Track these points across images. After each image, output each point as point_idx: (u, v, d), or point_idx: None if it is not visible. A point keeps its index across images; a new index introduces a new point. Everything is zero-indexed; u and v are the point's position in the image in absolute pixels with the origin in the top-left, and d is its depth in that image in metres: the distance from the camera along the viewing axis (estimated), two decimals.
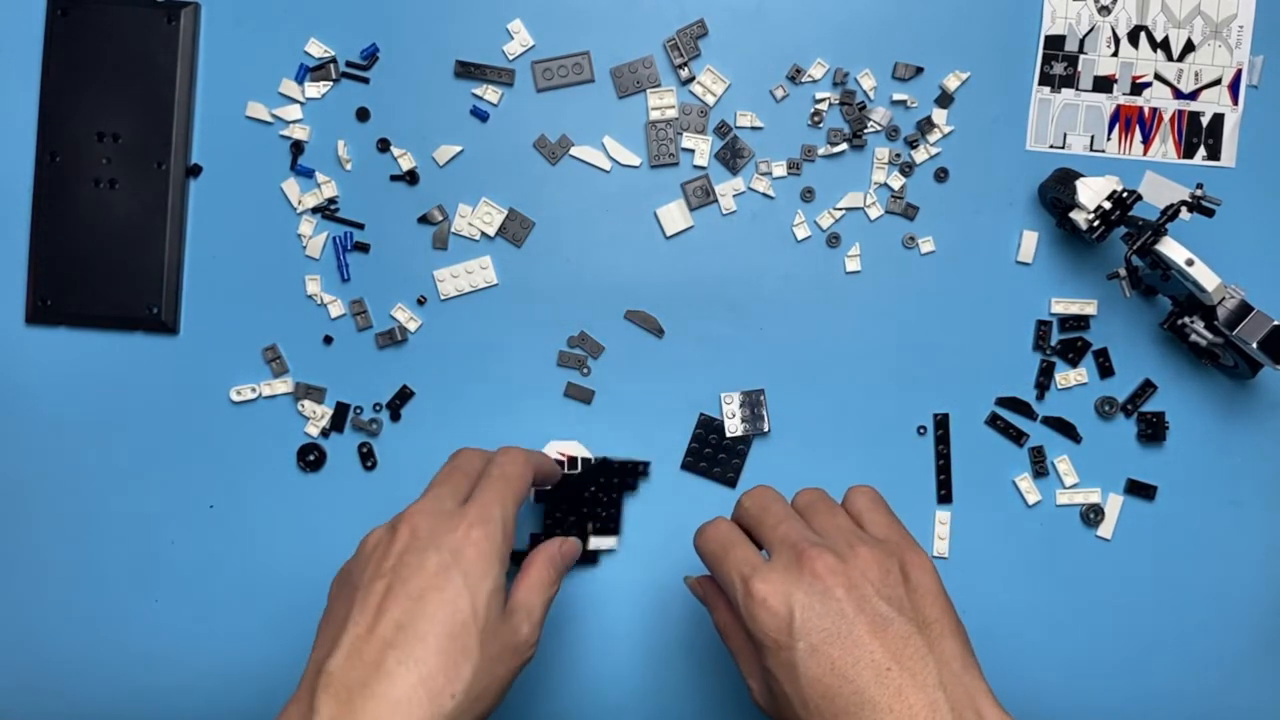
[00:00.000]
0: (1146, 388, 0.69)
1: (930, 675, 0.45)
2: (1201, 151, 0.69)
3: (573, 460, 0.66)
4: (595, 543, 0.67)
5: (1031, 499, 0.68)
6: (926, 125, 0.68)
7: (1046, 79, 0.69)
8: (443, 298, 0.68)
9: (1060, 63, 0.69)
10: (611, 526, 0.67)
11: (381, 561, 0.49)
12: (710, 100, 0.68)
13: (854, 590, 0.47)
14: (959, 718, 0.44)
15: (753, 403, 0.68)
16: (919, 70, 0.68)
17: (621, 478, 0.67)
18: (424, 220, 0.68)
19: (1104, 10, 0.68)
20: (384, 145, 0.68)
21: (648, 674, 0.68)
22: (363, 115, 0.68)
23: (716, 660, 0.68)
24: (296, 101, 0.68)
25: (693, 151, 0.68)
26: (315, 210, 0.68)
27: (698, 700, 0.68)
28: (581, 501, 0.67)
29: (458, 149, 0.68)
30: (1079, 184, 0.62)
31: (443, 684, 0.45)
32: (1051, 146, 0.69)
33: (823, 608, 0.46)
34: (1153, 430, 0.68)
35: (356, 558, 0.51)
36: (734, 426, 0.68)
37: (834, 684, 0.45)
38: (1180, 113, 0.69)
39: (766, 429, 0.68)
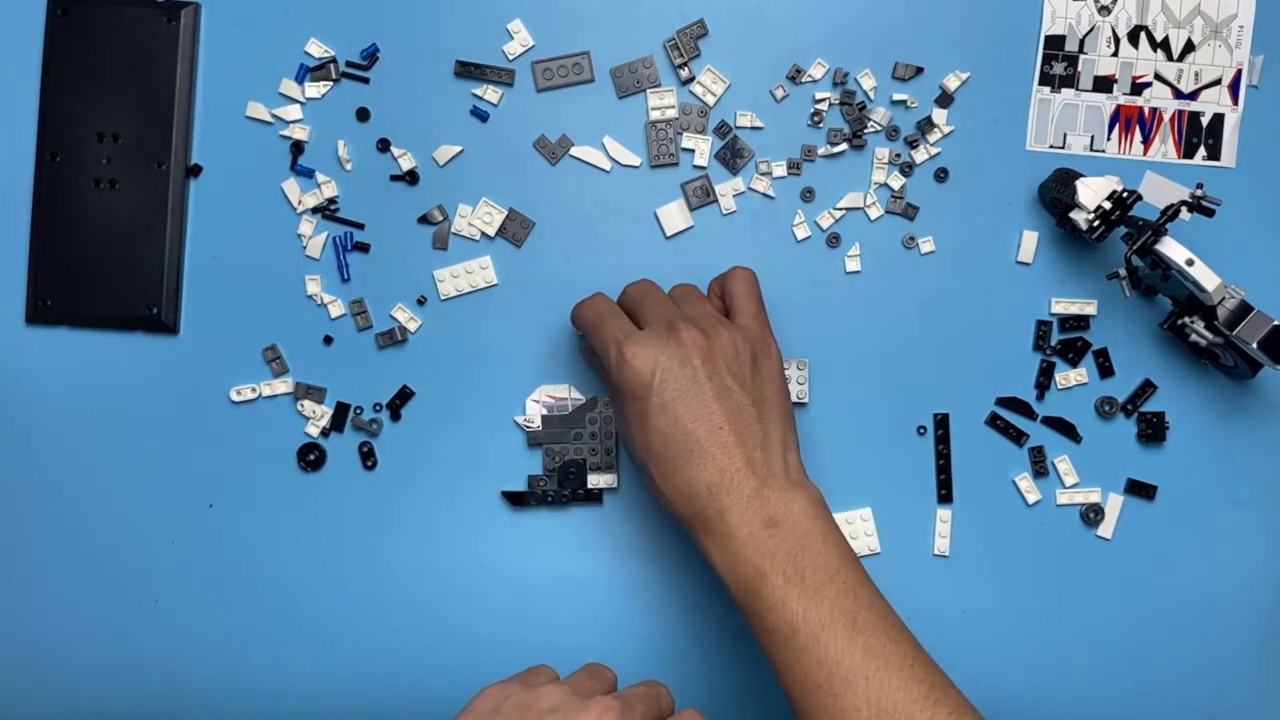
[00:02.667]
0: (1146, 388, 0.69)
1: (754, 438, 0.56)
2: (1201, 151, 0.69)
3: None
4: (595, 480, 0.67)
5: (1031, 499, 0.68)
6: (926, 125, 0.68)
7: (1046, 79, 0.69)
8: (443, 298, 0.68)
9: (1060, 63, 0.69)
10: (610, 463, 0.67)
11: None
12: (710, 100, 0.68)
13: (709, 362, 0.56)
14: (768, 471, 0.55)
15: None
16: (919, 70, 0.68)
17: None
18: (424, 220, 0.68)
19: (1104, 10, 0.68)
20: (384, 145, 0.68)
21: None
22: (363, 115, 0.68)
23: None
24: (296, 101, 0.68)
25: (693, 151, 0.68)
26: (315, 210, 0.68)
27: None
28: (580, 441, 0.67)
29: (458, 149, 0.68)
30: (1079, 184, 0.62)
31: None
32: (1051, 146, 0.69)
33: (680, 371, 0.56)
34: (1153, 430, 0.68)
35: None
36: None
37: (675, 434, 0.55)
38: (1180, 113, 0.69)
39: None
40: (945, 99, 0.68)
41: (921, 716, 0.50)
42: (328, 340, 0.68)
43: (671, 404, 0.56)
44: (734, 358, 0.57)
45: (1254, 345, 0.61)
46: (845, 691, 0.50)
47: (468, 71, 0.68)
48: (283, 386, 0.68)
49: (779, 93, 0.68)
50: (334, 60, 0.68)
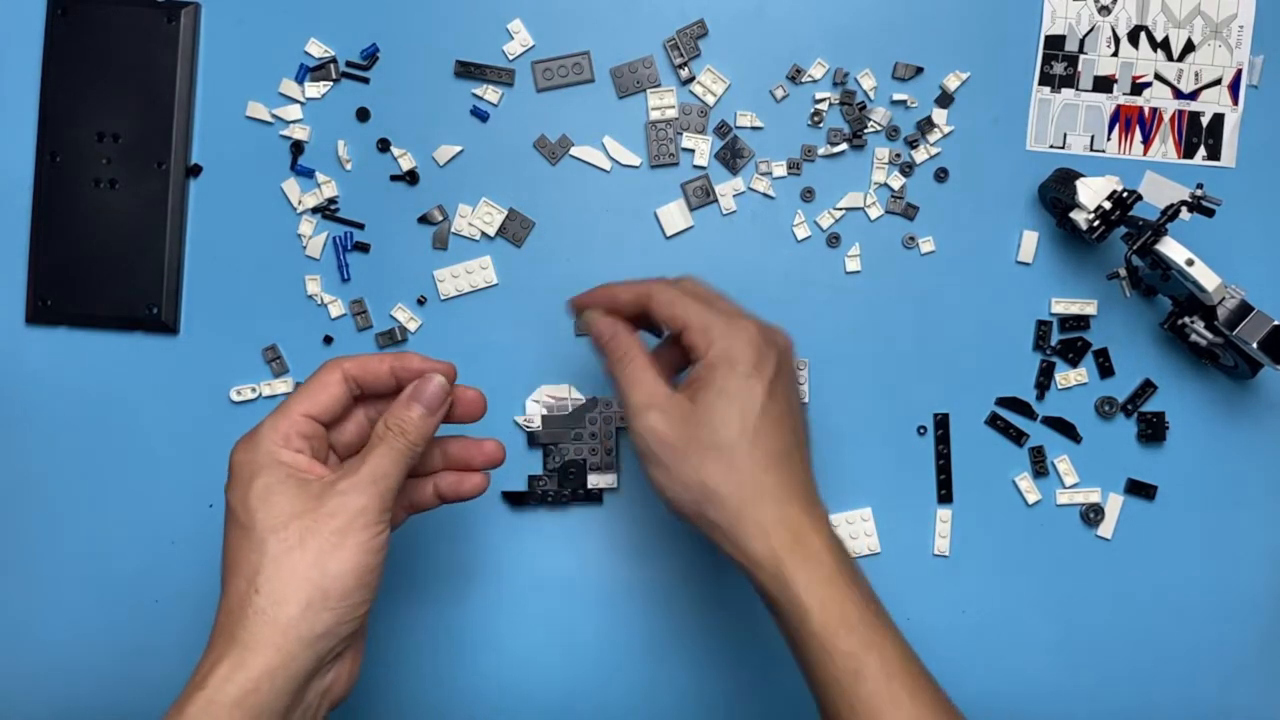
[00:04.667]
0: (1146, 388, 0.69)
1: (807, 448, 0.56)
2: (1201, 151, 0.69)
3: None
4: (595, 480, 0.67)
5: (1031, 499, 0.68)
6: (926, 125, 0.68)
7: (1046, 79, 0.69)
8: (443, 298, 0.68)
9: (1060, 63, 0.69)
10: (610, 463, 0.67)
11: None
12: (710, 100, 0.68)
13: (788, 360, 0.57)
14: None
15: None
16: (919, 70, 0.68)
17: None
18: (424, 220, 0.68)
19: (1104, 10, 0.68)
20: (384, 145, 0.68)
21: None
22: (363, 115, 0.68)
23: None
24: (296, 101, 0.68)
25: (693, 151, 0.68)
26: (315, 210, 0.68)
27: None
28: (580, 441, 0.67)
29: (458, 149, 0.68)
30: (1079, 184, 0.62)
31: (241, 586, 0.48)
32: (1051, 146, 0.69)
33: (779, 372, 0.55)
34: (1153, 430, 0.68)
35: None
36: None
37: (776, 446, 0.53)
38: (1180, 113, 0.69)
39: None
40: (945, 99, 0.68)
41: None
42: (328, 340, 0.68)
43: (775, 412, 0.53)
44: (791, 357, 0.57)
45: (1254, 345, 0.61)
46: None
47: (468, 71, 0.68)
48: (283, 386, 0.68)
49: (779, 93, 0.68)
50: (334, 60, 0.68)
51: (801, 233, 0.68)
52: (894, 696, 0.49)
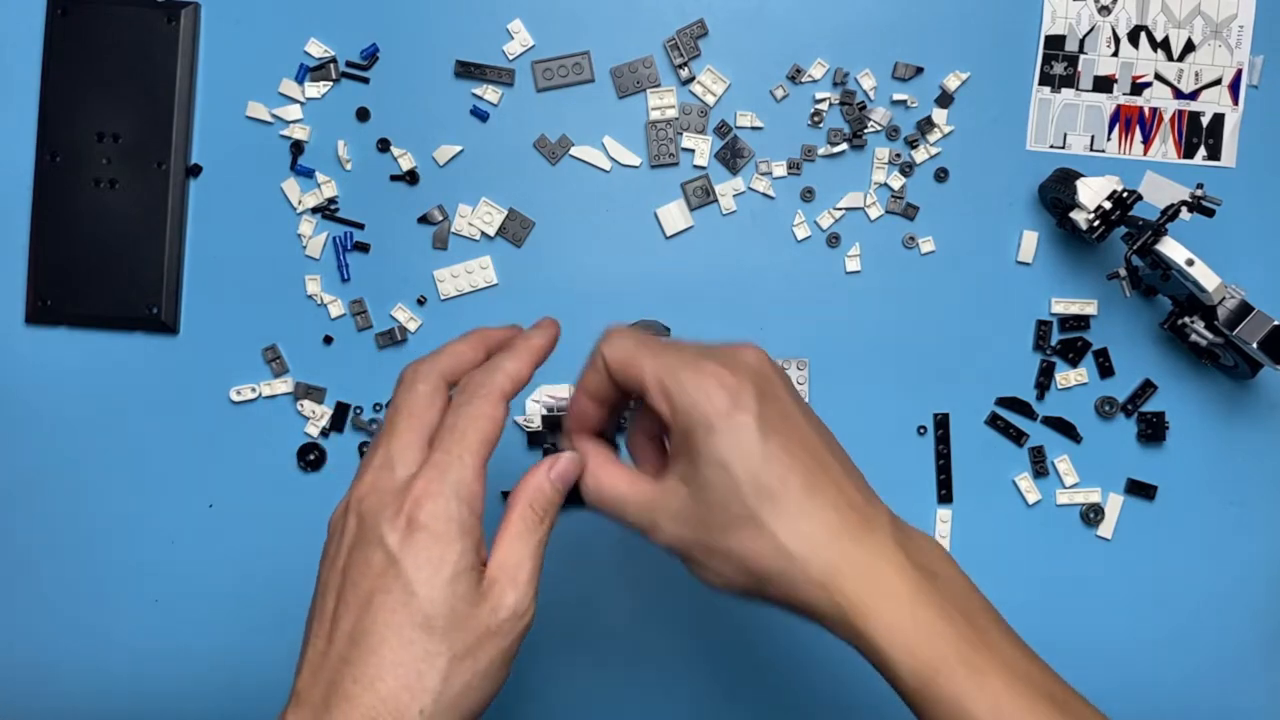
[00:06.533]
0: (1147, 388, 0.69)
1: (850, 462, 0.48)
2: (1202, 151, 0.69)
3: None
4: None
5: (1032, 499, 0.68)
6: (926, 125, 0.68)
7: (1046, 79, 0.69)
8: (443, 298, 0.68)
9: (1060, 63, 0.69)
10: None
11: (335, 560, 0.43)
12: (710, 100, 0.68)
13: (782, 378, 0.47)
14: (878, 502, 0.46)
15: None
16: (919, 70, 0.68)
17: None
18: (424, 220, 0.68)
19: (1104, 10, 0.68)
20: (384, 145, 0.68)
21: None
22: (363, 115, 0.68)
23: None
24: (296, 101, 0.68)
25: (693, 151, 0.68)
26: (315, 210, 0.68)
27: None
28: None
29: (458, 149, 0.68)
30: (1079, 184, 0.62)
31: (407, 701, 0.40)
32: (1052, 146, 0.69)
33: (772, 395, 0.45)
34: (1153, 430, 0.68)
35: (327, 542, 0.45)
36: None
37: (792, 463, 0.44)
38: (1180, 113, 0.69)
39: None
40: (945, 99, 0.68)
41: None
42: (328, 340, 0.68)
43: (774, 430, 0.43)
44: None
45: (1254, 345, 0.61)
46: None
47: (468, 71, 0.68)
48: (283, 386, 0.68)
49: (779, 93, 0.68)
50: (334, 60, 0.68)
51: (801, 233, 0.68)
52: None
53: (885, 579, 0.42)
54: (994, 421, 0.69)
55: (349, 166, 0.68)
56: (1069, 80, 0.69)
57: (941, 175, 0.68)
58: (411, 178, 0.68)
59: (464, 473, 0.42)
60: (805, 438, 0.45)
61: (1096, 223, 0.62)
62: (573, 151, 0.68)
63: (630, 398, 0.47)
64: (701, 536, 0.44)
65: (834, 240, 0.69)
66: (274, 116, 0.68)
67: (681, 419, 0.43)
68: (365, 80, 0.68)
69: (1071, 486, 0.68)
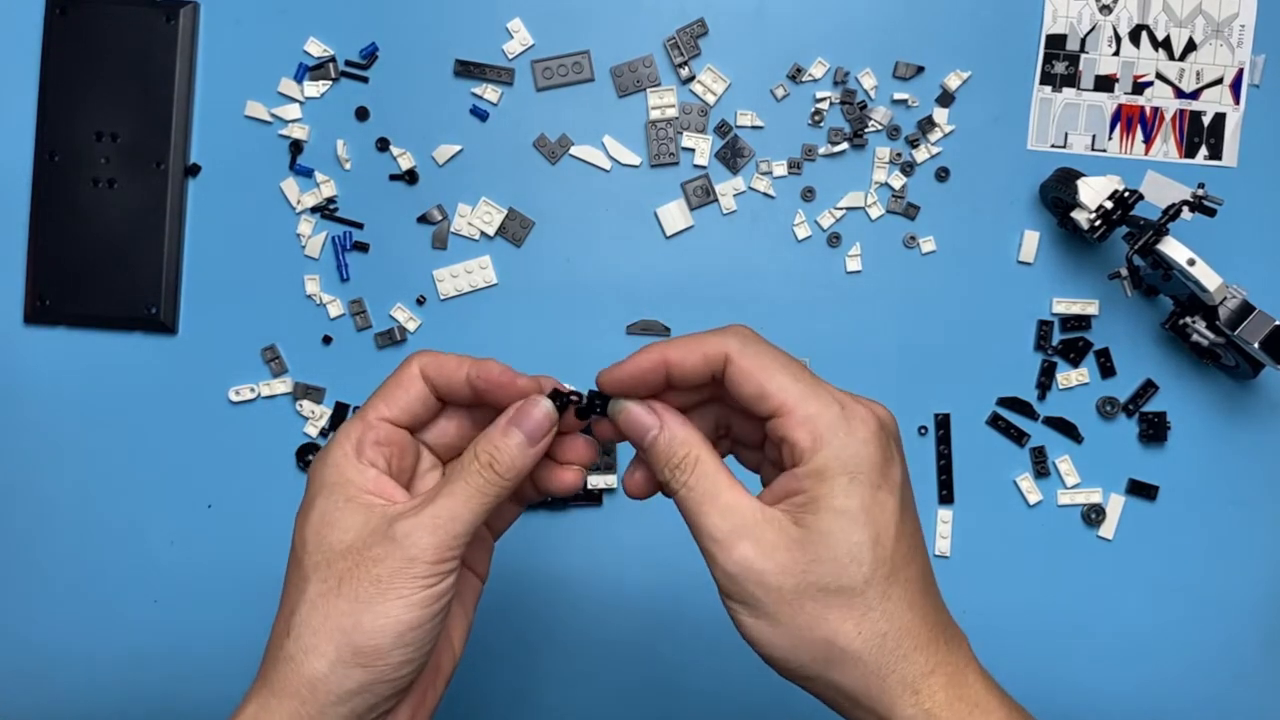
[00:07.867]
0: (1148, 388, 0.69)
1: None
2: (1203, 151, 0.69)
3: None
4: (594, 481, 0.67)
5: (1033, 499, 0.68)
6: (927, 125, 0.68)
7: (1048, 78, 0.68)
8: (442, 298, 0.68)
9: (1061, 62, 0.68)
10: (610, 464, 0.67)
11: None
12: (710, 100, 0.68)
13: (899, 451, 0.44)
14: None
15: None
16: (920, 69, 0.68)
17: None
18: (423, 220, 0.68)
19: (1105, 9, 0.68)
20: (383, 145, 0.68)
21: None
22: (362, 115, 0.68)
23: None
24: (296, 101, 0.68)
25: (693, 151, 0.68)
26: (314, 210, 0.68)
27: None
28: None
29: (457, 148, 0.68)
30: (1080, 183, 0.62)
31: (282, 631, 0.41)
32: (1053, 146, 0.68)
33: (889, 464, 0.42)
34: (1154, 430, 0.68)
35: None
36: None
37: (914, 555, 0.40)
38: (1182, 112, 0.69)
39: None
40: (946, 98, 0.68)
41: None
42: (327, 340, 0.68)
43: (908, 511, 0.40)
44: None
45: (1255, 345, 0.60)
46: None
47: (467, 71, 0.68)
48: (282, 386, 0.68)
49: (779, 92, 0.68)
50: (333, 59, 0.68)
51: (802, 232, 0.68)
52: None
53: (975, 691, 0.40)
54: (995, 422, 0.68)
55: (348, 166, 0.68)
56: (1070, 80, 0.68)
57: (942, 175, 0.68)
58: (411, 177, 0.68)
59: (380, 430, 0.43)
60: (918, 523, 0.41)
61: (1098, 222, 0.62)
62: (573, 151, 0.68)
63: (713, 398, 0.43)
64: (794, 585, 0.39)
65: (834, 240, 0.68)
66: (273, 116, 0.68)
67: (827, 460, 0.39)
68: (364, 79, 0.68)
69: (1073, 487, 0.68)
